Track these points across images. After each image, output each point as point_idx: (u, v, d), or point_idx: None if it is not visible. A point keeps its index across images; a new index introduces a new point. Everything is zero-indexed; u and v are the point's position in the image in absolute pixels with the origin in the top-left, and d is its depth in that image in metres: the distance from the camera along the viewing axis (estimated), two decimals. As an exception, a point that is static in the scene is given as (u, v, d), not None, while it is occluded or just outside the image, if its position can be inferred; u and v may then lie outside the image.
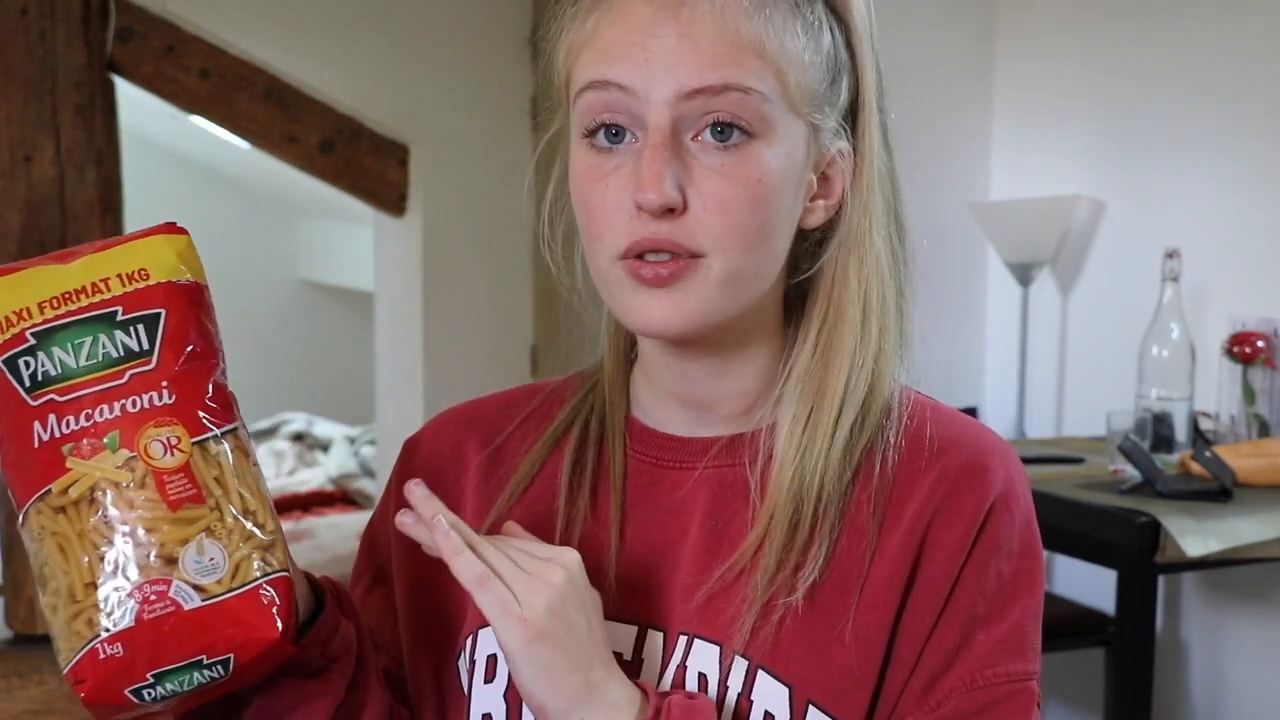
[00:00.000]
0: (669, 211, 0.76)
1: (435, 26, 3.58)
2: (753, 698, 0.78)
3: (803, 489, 0.80)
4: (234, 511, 0.71)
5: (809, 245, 0.84)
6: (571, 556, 0.76)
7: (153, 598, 0.68)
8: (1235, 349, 2.47)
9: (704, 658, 0.80)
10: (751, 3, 0.77)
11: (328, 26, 3.48)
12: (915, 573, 0.80)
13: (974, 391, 3.22)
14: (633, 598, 0.83)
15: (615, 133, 0.78)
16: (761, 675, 0.78)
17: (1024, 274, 2.99)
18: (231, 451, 0.72)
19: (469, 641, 0.86)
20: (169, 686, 0.68)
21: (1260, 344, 2.45)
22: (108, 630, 0.68)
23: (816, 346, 0.83)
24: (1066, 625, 2.66)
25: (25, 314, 0.70)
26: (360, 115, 3.54)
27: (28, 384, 0.70)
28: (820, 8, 0.81)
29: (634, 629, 0.82)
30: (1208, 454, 2.16)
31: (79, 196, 3.07)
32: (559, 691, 0.73)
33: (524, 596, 0.73)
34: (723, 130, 0.77)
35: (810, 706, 0.77)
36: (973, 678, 0.79)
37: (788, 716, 0.77)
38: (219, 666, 0.69)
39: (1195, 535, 1.97)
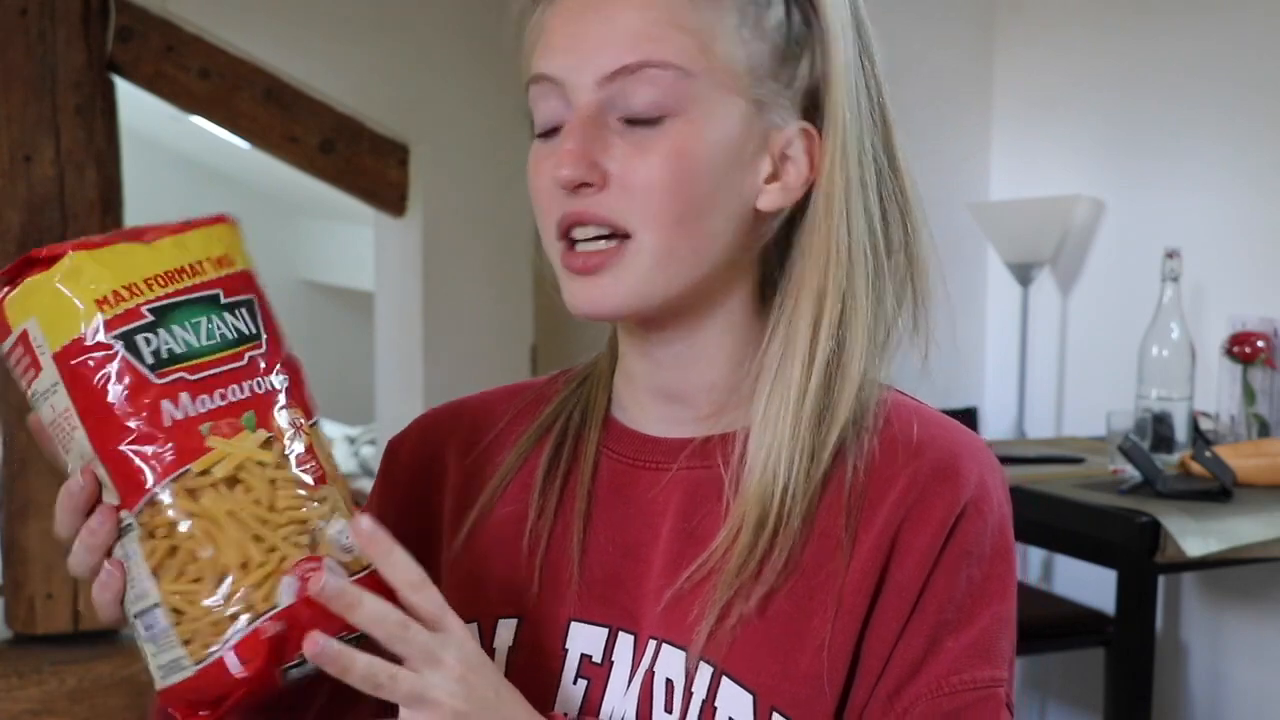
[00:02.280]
0: (587, 186, 0.76)
1: (435, 26, 3.58)
2: (716, 704, 0.77)
3: (767, 493, 0.78)
4: (340, 499, 0.72)
5: (784, 232, 0.82)
6: (459, 630, 0.72)
7: (309, 575, 0.68)
8: (1235, 349, 2.47)
9: (670, 663, 0.79)
10: None
11: (328, 26, 3.48)
12: (884, 579, 0.78)
13: (974, 391, 3.22)
14: (604, 600, 0.82)
15: (555, 131, 0.79)
16: (725, 682, 0.77)
17: (1024, 274, 2.99)
18: (323, 434, 0.74)
19: None
20: (308, 666, 0.68)
21: (1260, 344, 2.45)
22: (273, 608, 0.67)
23: (774, 342, 0.81)
24: (1066, 625, 2.66)
25: (135, 289, 0.68)
26: (360, 115, 3.54)
27: (150, 361, 0.68)
28: None
29: (604, 631, 0.82)
30: (1208, 454, 2.16)
31: (79, 196, 3.07)
32: None
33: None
34: (639, 109, 0.77)
35: (774, 714, 0.76)
36: (938, 684, 0.77)
37: None
38: (354, 642, 0.69)
39: (1195, 535, 1.97)
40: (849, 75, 0.79)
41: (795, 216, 0.81)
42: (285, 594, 0.67)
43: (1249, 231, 2.64)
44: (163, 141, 5.39)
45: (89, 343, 0.67)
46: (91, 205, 3.02)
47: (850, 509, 0.78)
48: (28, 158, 2.99)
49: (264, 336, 0.71)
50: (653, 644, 0.80)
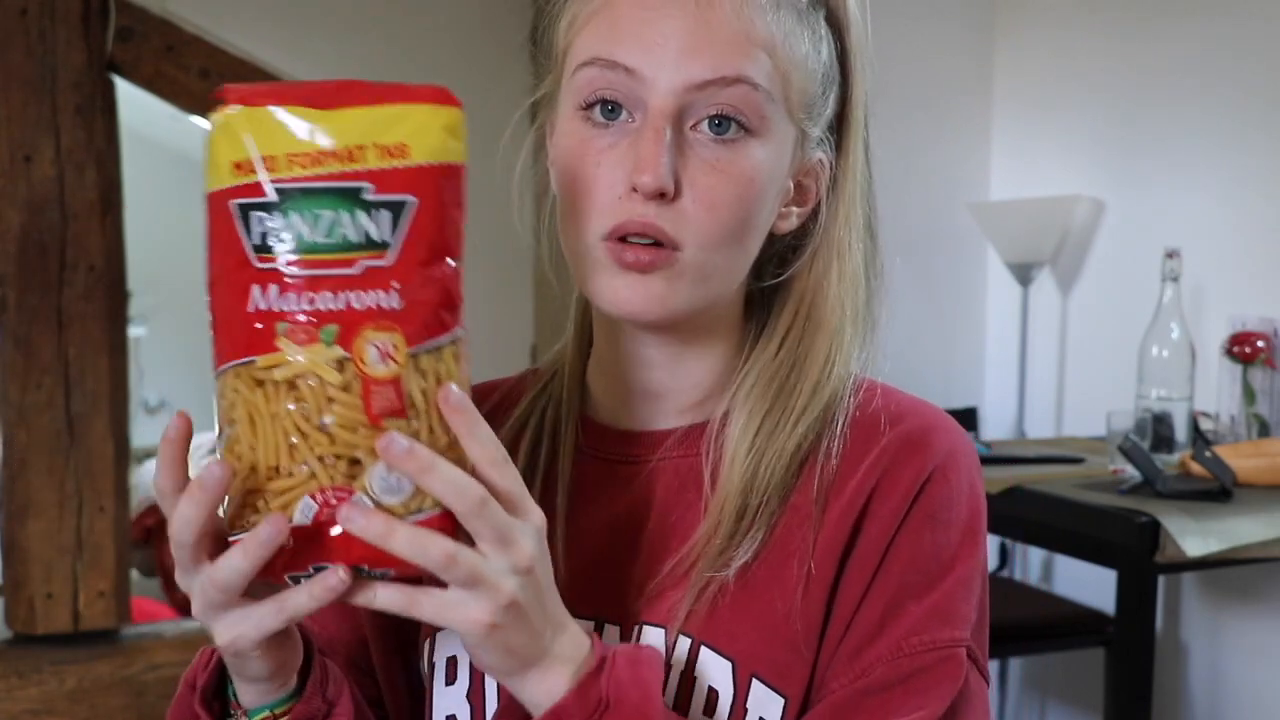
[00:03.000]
0: (660, 196, 0.76)
1: (434, 27, 3.58)
2: (696, 674, 0.78)
3: (755, 482, 0.80)
4: (428, 431, 0.67)
5: (777, 250, 0.85)
6: (538, 518, 0.70)
7: (333, 502, 0.65)
8: (1235, 349, 2.47)
9: (650, 641, 0.80)
10: (769, 1, 0.77)
11: (327, 26, 3.48)
12: (852, 544, 0.79)
13: (974, 391, 3.22)
14: (590, 594, 0.83)
15: (611, 109, 0.78)
16: (704, 651, 0.78)
17: (1024, 274, 2.99)
18: (444, 362, 0.68)
19: (427, 645, 0.87)
20: (313, 576, 0.67)
21: (1260, 344, 2.45)
22: (287, 522, 0.65)
23: (782, 348, 0.84)
24: (1067, 625, 2.66)
25: (273, 163, 0.64)
26: (360, 115, 3.54)
27: (256, 242, 0.64)
28: (821, 21, 0.81)
29: (591, 624, 0.83)
30: (1208, 454, 2.16)
31: (79, 196, 3.08)
32: (512, 661, 0.69)
33: (495, 578, 0.66)
34: (721, 123, 0.77)
35: (754, 680, 0.78)
36: (898, 646, 0.78)
37: (731, 690, 0.78)
38: (373, 575, 0.67)
39: (1195, 535, 1.96)
40: (864, 111, 0.84)
41: (795, 237, 0.85)
42: (299, 513, 0.65)
43: (1249, 231, 2.64)
44: (163, 141, 5.39)
45: (217, 201, 0.65)
46: (92, 205, 3.02)
47: (821, 485, 0.80)
48: (27, 158, 2.99)
49: (395, 247, 0.65)
50: (635, 629, 0.81)
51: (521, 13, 3.72)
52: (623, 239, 0.77)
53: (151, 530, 4.97)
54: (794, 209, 0.84)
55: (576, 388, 0.90)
